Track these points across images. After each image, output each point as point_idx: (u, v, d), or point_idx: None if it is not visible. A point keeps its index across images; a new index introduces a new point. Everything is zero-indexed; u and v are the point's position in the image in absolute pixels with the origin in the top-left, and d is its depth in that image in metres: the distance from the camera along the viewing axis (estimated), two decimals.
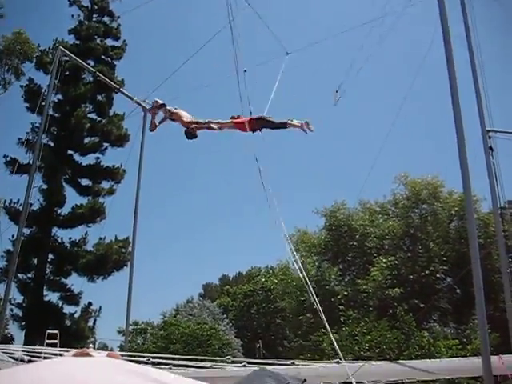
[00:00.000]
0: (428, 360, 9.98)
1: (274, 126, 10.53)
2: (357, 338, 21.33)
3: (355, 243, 27.29)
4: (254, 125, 10.54)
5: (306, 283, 9.13)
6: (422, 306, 23.88)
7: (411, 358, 20.26)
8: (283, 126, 10.43)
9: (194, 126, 11.12)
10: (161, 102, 12.17)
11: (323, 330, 23.17)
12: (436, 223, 25.76)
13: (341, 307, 24.93)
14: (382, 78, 48.33)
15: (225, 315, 38.98)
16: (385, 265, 24.57)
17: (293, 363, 7.68)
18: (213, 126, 11.03)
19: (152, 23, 60.81)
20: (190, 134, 11.21)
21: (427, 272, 24.50)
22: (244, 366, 7.99)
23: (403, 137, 44.09)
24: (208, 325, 31.98)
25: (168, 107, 11.89)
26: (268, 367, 7.88)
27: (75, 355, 3.90)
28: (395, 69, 44.05)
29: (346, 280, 27.82)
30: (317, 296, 26.19)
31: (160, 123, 12.35)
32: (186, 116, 11.58)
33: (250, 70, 12.09)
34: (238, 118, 10.89)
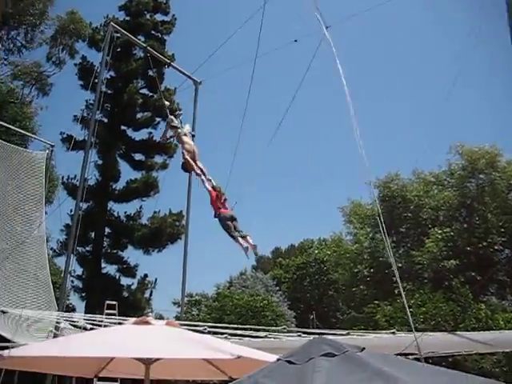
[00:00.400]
0: (487, 332, 9.75)
1: (227, 230, 10.88)
2: (411, 309, 21.06)
3: (409, 214, 26.77)
4: (218, 213, 11.06)
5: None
6: (478, 278, 23.35)
7: (468, 331, 19.97)
8: (232, 238, 10.78)
9: (188, 163, 11.91)
10: (175, 123, 12.83)
11: (376, 302, 23.08)
12: (494, 194, 24.93)
13: (395, 279, 24.62)
14: (441, 47, 46.82)
15: (278, 287, 39.24)
16: (440, 236, 24.03)
17: (348, 333, 7.66)
18: (202, 177, 11.77)
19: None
20: (186, 168, 11.93)
21: (484, 244, 23.84)
22: (299, 335, 8.02)
23: (460, 105, 42.66)
24: (261, 296, 32.28)
25: (179, 130, 12.46)
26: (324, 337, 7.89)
27: (135, 323, 4.04)
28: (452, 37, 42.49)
29: (400, 252, 27.42)
30: (371, 268, 26.25)
31: (169, 138, 13.14)
32: (190, 147, 12.22)
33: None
34: (219, 197, 11.26)
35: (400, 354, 7.79)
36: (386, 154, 56.65)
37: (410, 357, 8.32)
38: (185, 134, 12.41)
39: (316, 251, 42.21)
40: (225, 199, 11.39)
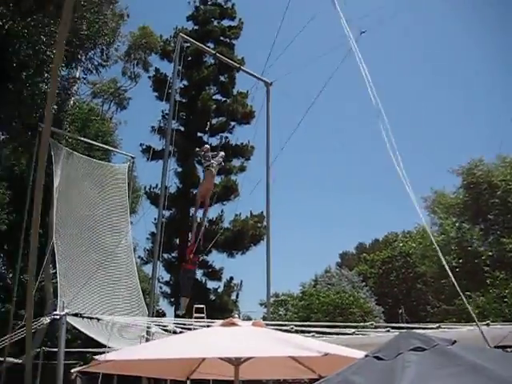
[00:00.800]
0: None
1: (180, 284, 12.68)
2: (506, 300, 20.18)
3: (497, 200, 25.65)
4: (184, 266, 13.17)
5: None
6: None
7: None
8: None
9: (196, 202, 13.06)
10: (207, 156, 13.99)
11: (468, 293, 22.26)
12: None
13: (486, 268, 23.68)
14: None
15: (364, 283, 38.70)
16: None
17: (439, 326, 7.41)
18: (198, 219, 13.38)
19: None
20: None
21: None
22: (388, 331, 7.85)
23: None
24: (347, 293, 31.95)
25: (208, 163, 13.43)
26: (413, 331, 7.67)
27: (223, 325, 4.09)
28: None
29: (490, 240, 26.32)
30: (459, 258, 25.39)
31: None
32: (204, 190, 13.05)
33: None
34: (191, 252, 13.59)
35: (496, 347, 7.47)
36: (468, 140, 54.75)
37: (509, 349, 7.96)
38: (211, 171, 13.27)
39: (401, 244, 41.28)
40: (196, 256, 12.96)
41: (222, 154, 14.45)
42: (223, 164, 14.96)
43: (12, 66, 12.30)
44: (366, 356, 3.48)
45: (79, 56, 17.71)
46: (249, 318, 34.67)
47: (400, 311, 25.17)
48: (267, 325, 7.95)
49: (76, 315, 9.06)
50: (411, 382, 2.81)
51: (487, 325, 7.14)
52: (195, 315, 15.55)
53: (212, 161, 13.39)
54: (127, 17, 22.92)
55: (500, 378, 2.70)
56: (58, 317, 8.36)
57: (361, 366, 3.33)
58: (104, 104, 30.65)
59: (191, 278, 12.31)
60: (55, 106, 17.23)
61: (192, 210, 27.24)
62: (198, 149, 14.29)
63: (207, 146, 13.90)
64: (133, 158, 20.87)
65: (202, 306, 15.74)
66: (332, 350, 4.37)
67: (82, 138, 20.90)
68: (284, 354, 4.50)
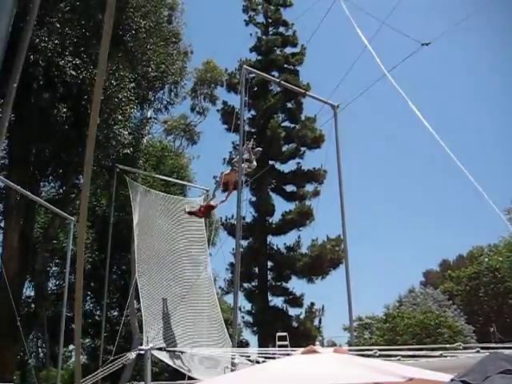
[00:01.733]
0: None
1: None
2: None
3: None
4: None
5: None
6: None
7: None
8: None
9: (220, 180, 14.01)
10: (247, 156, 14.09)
11: None
12: None
13: None
14: None
15: (451, 301, 37.28)
16: None
17: None
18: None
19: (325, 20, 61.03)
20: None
21: None
22: (478, 351, 7.48)
23: None
24: (434, 313, 30.86)
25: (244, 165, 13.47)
26: (505, 351, 7.28)
27: (303, 353, 4.02)
28: None
29: None
30: None
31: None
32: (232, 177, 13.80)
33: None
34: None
35: None
36: None
37: None
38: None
39: (486, 259, 39.59)
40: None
41: (254, 164, 14.79)
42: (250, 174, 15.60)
43: (87, 112, 12.95)
44: (452, 380, 3.36)
45: (149, 97, 18.40)
46: (333, 344, 34.18)
47: (492, 329, 24.00)
48: (350, 350, 7.78)
49: (160, 349, 9.24)
50: None
51: None
52: (278, 343, 15.50)
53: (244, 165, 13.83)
54: (191, 53, 23.64)
55: None
56: (142, 352, 8.55)
57: None
58: (176, 140, 31.56)
59: None
60: (130, 149, 17.91)
61: (269, 238, 27.43)
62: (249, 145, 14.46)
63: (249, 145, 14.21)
64: (207, 190, 21.30)
65: (284, 333, 15.67)
66: (417, 375, 4.22)
67: (157, 175, 21.56)
68: (365, 381, 4.38)
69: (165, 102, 19.34)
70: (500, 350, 3.73)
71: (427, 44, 11.87)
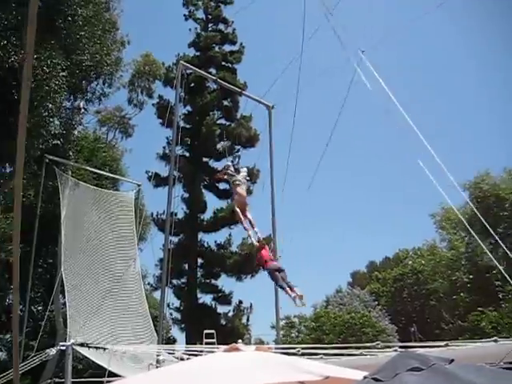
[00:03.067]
0: None
1: (275, 281, 11.01)
2: None
3: (505, 213, 25.55)
4: (265, 265, 11.13)
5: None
6: None
7: None
8: (279, 285, 11.05)
9: (237, 215, 12.00)
10: (231, 171, 12.75)
11: (481, 309, 22.06)
12: None
13: (497, 283, 23.49)
14: None
15: (376, 302, 38.40)
16: None
17: (446, 345, 7.32)
18: (250, 232, 11.92)
19: (264, 19, 61.77)
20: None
21: None
22: (395, 350, 7.77)
23: None
24: (360, 313, 31.69)
25: (234, 179, 12.39)
26: (420, 350, 7.60)
27: (226, 351, 4.08)
28: None
29: (500, 253, 26.15)
30: (470, 273, 25.19)
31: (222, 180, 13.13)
32: (241, 199, 12.37)
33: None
34: (264, 248, 11.56)
35: (510, 363, 7.37)
36: (474, 154, 54.72)
37: None
38: (239, 184, 12.46)
39: (410, 262, 41.05)
40: (272, 251, 11.67)
41: (245, 169, 14.03)
42: (249, 179, 14.54)
43: (14, 99, 12.47)
44: (365, 378, 3.49)
45: (82, 86, 17.92)
46: (261, 341, 34.50)
47: (412, 329, 24.90)
48: (276, 348, 7.91)
49: (82, 345, 9.05)
50: None
51: (495, 341, 7.06)
52: (205, 341, 15.49)
53: (237, 176, 12.96)
54: (128, 44, 23.13)
55: None
56: (64, 347, 8.35)
57: None
58: (109, 132, 30.92)
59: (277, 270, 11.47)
60: (61, 139, 17.43)
61: (200, 235, 27.36)
62: (228, 163, 13.72)
63: (229, 163, 13.49)
64: (139, 185, 21.05)
65: (211, 331, 15.68)
66: (333, 373, 4.35)
67: (89, 168, 21.06)
68: (283, 380, 4.47)
69: (98, 93, 18.85)
70: (413, 350, 3.90)
71: (363, 51, 12.19)
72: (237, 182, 12.38)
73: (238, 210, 11.90)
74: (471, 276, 25.02)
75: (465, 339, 21.37)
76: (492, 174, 26.77)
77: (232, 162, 13.49)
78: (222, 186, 28.29)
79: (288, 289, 10.61)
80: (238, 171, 13.14)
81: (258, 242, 11.64)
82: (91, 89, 18.52)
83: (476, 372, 3.25)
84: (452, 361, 3.34)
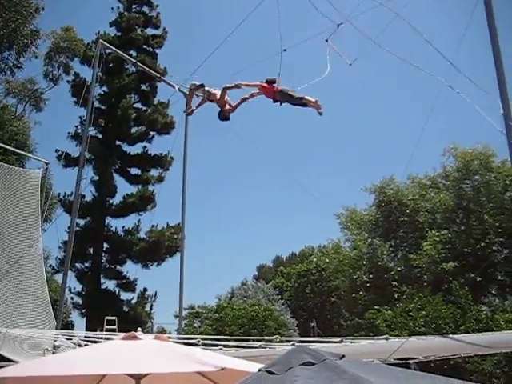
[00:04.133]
0: (482, 334, 9.73)
1: (293, 100, 10.42)
2: (411, 313, 21.06)
3: (406, 218, 26.82)
4: (277, 95, 10.41)
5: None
6: (478, 279, 23.32)
7: (468, 333, 19.90)
8: (300, 101, 10.32)
9: (228, 107, 11.09)
10: (198, 83, 12.04)
11: (377, 307, 23.06)
12: (489, 194, 24.94)
13: (394, 283, 24.67)
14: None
15: (279, 296, 39.12)
16: (437, 239, 24.07)
17: (341, 340, 7.66)
18: (242, 85, 11.04)
19: (192, 7, 61.20)
20: (224, 115, 11.17)
21: (482, 244, 23.83)
22: (293, 344, 8.02)
23: (450, 108, 42.89)
24: (263, 306, 32.14)
25: (206, 88, 11.73)
26: (318, 345, 7.90)
27: (124, 338, 4.08)
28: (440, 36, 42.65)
29: (399, 256, 27.47)
30: (370, 273, 26.25)
31: (198, 107, 12.22)
32: (221, 99, 11.42)
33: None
34: (268, 83, 10.76)
35: (399, 359, 7.81)
36: (381, 159, 56.96)
37: (411, 361, 8.34)
38: (214, 89, 11.76)
39: (315, 259, 42.12)
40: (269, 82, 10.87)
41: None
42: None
43: None
44: (259, 370, 3.59)
45: None
46: (164, 330, 34.26)
47: (312, 324, 25.62)
48: (178, 338, 7.94)
49: None
50: None
51: (386, 338, 7.47)
52: (106, 327, 15.22)
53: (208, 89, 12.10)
54: (43, 10, 22.02)
55: None
56: None
57: (253, 380, 3.42)
58: (19, 104, 29.49)
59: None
60: None
61: (107, 220, 26.77)
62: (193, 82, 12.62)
63: (195, 82, 12.53)
64: (47, 163, 20.24)
65: (113, 317, 15.42)
66: (229, 365, 4.44)
67: None
68: (181, 370, 4.52)
69: (10, 64, 17.98)
70: (311, 344, 4.05)
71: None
72: (212, 91, 11.74)
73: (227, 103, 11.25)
74: (371, 276, 26.08)
75: (361, 335, 22.36)
76: (396, 179, 27.96)
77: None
78: (134, 171, 27.86)
79: (307, 97, 10.18)
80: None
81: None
82: (3, 58, 17.66)
83: (363, 367, 3.44)
84: (343, 356, 3.52)
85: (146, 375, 5.17)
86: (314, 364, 3.31)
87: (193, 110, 12.39)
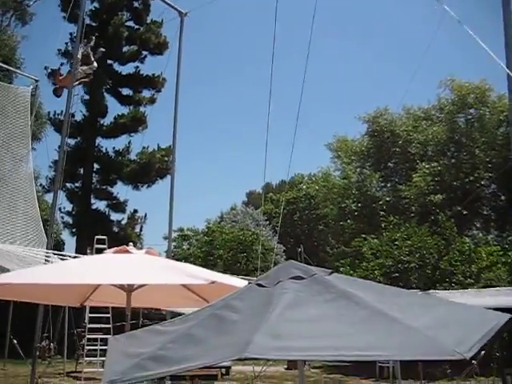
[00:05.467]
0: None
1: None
2: (397, 243, 21.42)
3: (398, 149, 26.79)
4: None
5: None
6: (464, 213, 23.62)
7: (451, 264, 20.42)
8: None
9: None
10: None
11: (363, 236, 23.44)
12: (482, 129, 24.86)
13: (382, 213, 24.93)
14: None
15: (268, 221, 39.55)
16: (427, 171, 24.16)
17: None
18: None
19: None
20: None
21: (471, 178, 23.99)
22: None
23: (449, 39, 42.03)
24: (251, 231, 32.55)
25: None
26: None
27: (116, 252, 4.12)
28: None
29: (388, 186, 27.66)
30: (358, 202, 26.52)
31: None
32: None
33: None
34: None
35: None
36: (376, 89, 56.37)
37: None
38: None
39: (305, 186, 42.34)
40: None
41: (95, 66, 13.47)
42: (91, 76, 13.97)
43: None
44: (249, 283, 3.67)
45: None
46: None
47: (299, 250, 26.05)
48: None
49: None
50: (286, 305, 3.01)
51: None
52: (96, 246, 15.49)
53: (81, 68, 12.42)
54: None
55: (365, 303, 2.95)
56: None
57: (243, 292, 3.50)
58: (3, 19, 28.42)
59: None
60: None
61: (98, 140, 26.58)
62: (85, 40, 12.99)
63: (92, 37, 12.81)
64: (36, 81, 19.84)
65: (103, 237, 15.65)
66: (220, 279, 4.53)
67: None
68: (173, 282, 4.61)
69: None
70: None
71: None
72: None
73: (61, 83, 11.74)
74: (360, 204, 26.32)
75: (346, 263, 22.86)
76: (390, 110, 27.70)
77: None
78: (126, 91, 27.41)
79: None
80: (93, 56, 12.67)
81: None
82: None
83: (351, 283, 3.53)
84: (332, 273, 3.60)
85: (137, 288, 5.28)
86: (303, 278, 3.38)
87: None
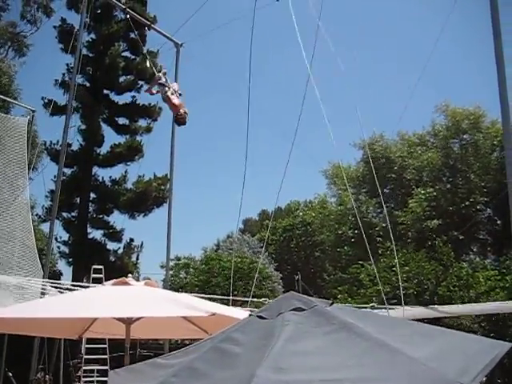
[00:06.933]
0: (467, 305, 9.87)
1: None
2: (394, 269, 21.38)
3: (393, 175, 26.96)
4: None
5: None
6: (461, 238, 23.67)
7: (449, 289, 20.37)
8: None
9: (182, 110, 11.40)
10: (162, 81, 11.82)
11: (361, 262, 23.40)
12: (477, 154, 25.12)
13: (378, 239, 24.94)
14: (419, 7, 46.23)
15: (264, 249, 39.37)
16: (423, 197, 24.29)
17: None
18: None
19: None
20: (180, 121, 11.41)
21: (467, 203, 24.12)
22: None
23: (443, 66, 42.52)
24: (249, 258, 32.40)
25: (166, 89, 11.59)
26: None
27: (115, 284, 4.13)
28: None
29: (384, 212, 27.76)
30: (355, 229, 26.50)
31: (155, 93, 12.12)
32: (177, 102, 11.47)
33: None
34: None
35: None
36: (371, 115, 56.75)
37: None
38: (172, 94, 11.65)
39: (301, 213, 42.38)
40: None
41: (176, 84, 12.84)
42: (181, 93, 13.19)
43: None
44: (250, 315, 3.68)
45: None
46: (149, 280, 34.56)
47: (297, 277, 25.96)
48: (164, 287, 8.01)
49: None
50: (288, 338, 3.01)
51: (372, 307, 7.62)
52: (93, 276, 15.39)
53: (169, 86, 11.94)
54: None
55: (367, 334, 2.95)
56: None
57: (244, 324, 3.51)
58: (1, 50, 28.72)
59: None
60: None
61: (94, 169, 26.62)
62: (159, 74, 12.49)
63: (159, 74, 12.30)
64: (33, 111, 19.96)
65: (100, 266, 15.57)
66: (219, 311, 4.52)
67: None
68: (172, 314, 4.59)
69: None
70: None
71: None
72: (170, 92, 11.60)
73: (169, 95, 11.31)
74: (356, 231, 26.34)
75: (344, 290, 22.78)
76: (386, 136, 27.96)
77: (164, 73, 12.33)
78: (122, 120, 27.52)
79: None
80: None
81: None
82: None
83: (351, 313, 3.53)
84: (332, 303, 3.61)
85: (136, 320, 5.26)
86: (304, 310, 3.39)
87: (151, 93, 12.28)
